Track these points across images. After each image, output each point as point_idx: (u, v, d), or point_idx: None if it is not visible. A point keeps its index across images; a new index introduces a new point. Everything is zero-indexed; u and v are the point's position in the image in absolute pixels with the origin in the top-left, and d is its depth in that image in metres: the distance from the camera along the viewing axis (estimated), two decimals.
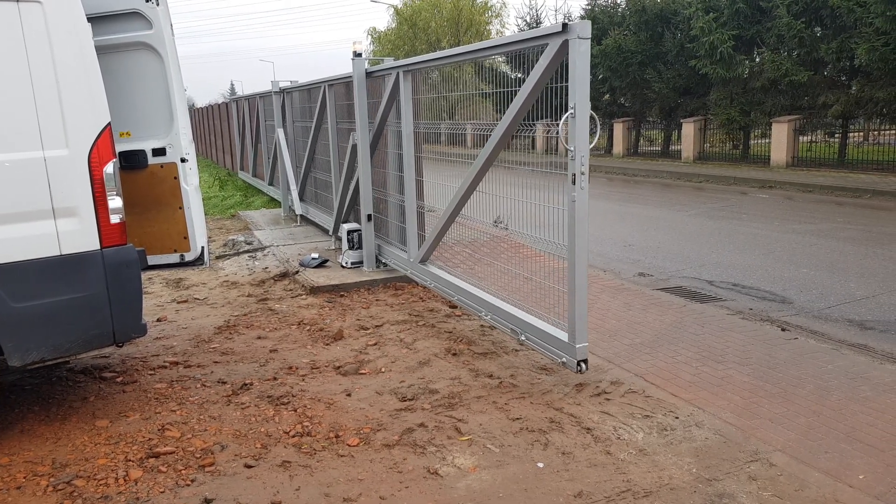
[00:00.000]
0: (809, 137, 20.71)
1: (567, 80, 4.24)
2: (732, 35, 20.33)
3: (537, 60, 4.45)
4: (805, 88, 19.54)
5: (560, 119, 4.24)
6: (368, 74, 7.41)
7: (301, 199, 11.40)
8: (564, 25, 4.09)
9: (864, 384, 4.52)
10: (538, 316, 4.92)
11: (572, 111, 4.10)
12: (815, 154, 19.80)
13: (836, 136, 20.82)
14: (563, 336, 4.54)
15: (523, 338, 4.93)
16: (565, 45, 4.12)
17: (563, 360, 4.51)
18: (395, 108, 7.28)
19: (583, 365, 4.42)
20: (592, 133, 4.21)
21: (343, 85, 8.39)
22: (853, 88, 18.95)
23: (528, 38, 4.55)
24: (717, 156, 22.37)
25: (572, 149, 4.14)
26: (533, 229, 5.05)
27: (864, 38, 16.81)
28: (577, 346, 4.42)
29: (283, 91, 11.80)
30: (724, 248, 9.27)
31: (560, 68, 4.39)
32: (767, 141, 20.88)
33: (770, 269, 7.94)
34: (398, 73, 6.48)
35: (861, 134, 22.39)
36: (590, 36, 4.07)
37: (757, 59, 21.30)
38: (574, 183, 4.21)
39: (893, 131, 18.92)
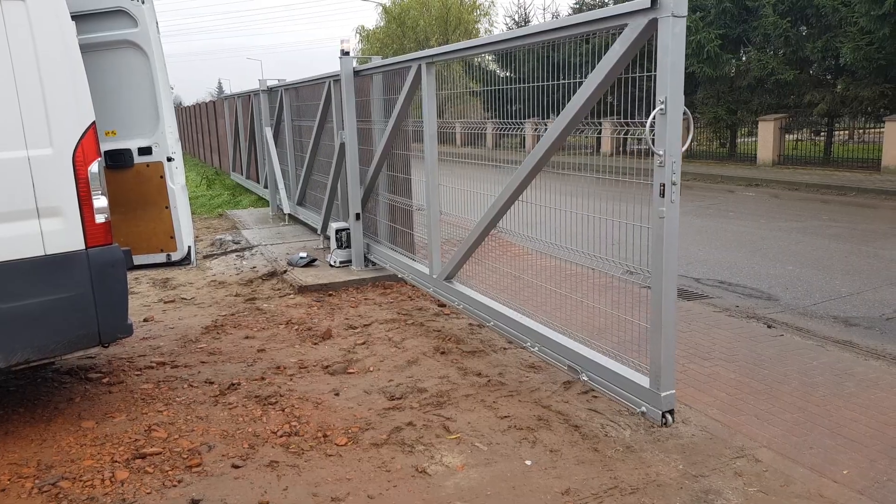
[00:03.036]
0: (795, 136, 20.89)
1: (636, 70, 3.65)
2: (719, 34, 20.46)
3: (609, 45, 3.71)
4: (791, 87, 19.70)
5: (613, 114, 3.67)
6: (357, 73, 7.39)
7: (301, 204, 10.77)
8: (653, 1, 3.33)
9: (849, 380, 4.56)
10: (604, 352, 4.13)
11: (662, 107, 3.34)
12: (801, 152, 19.96)
13: (822, 134, 21.01)
14: (642, 380, 3.72)
15: (585, 377, 4.12)
16: (652, 24, 3.35)
17: (643, 409, 3.68)
18: (383, 104, 7.27)
19: (668, 417, 3.59)
20: (685, 133, 3.39)
21: (360, 79, 7.60)
22: (838, 87, 19.13)
23: (598, 19, 3.75)
24: (704, 154, 22.49)
25: (662, 153, 3.38)
26: (591, 247, 4.31)
27: (848, 37, 16.96)
28: (663, 394, 3.57)
29: (270, 90, 11.74)
30: (711, 245, 9.33)
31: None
32: (754, 139, 21.04)
33: (756, 267, 8.00)
34: (420, 65, 5.78)
35: (846, 132, 22.59)
36: (685, 13, 3.29)
37: (743, 58, 21.45)
38: (663, 195, 3.44)
39: (878, 130, 19.10)
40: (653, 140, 3.42)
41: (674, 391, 3.64)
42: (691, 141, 3.54)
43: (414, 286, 6.76)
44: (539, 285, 5.02)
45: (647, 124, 3.40)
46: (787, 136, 20.24)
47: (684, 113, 3.41)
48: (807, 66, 19.85)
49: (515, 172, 4.73)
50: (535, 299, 5.02)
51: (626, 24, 3.55)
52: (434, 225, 5.92)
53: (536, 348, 4.60)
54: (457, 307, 5.63)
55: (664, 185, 3.44)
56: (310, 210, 10.45)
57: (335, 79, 8.06)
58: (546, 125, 4.49)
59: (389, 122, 6.66)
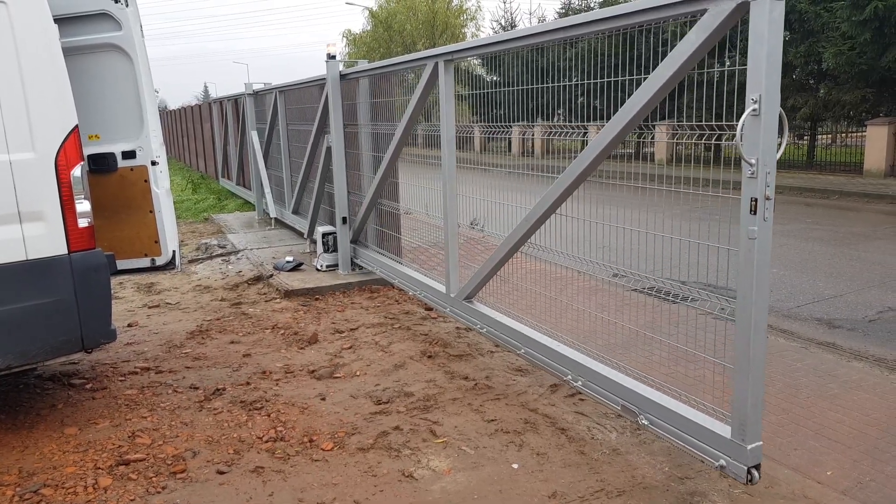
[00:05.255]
0: (779, 140, 21.06)
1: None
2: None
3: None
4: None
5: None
6: (343, 77, 7.38)
7: (297, 213, 10.14)
8: None
9: (832, 382, 4.60)
10: (667, 391, 3.59)
11: (755, 107, 2.86)
12: (785, 156, 20.14)
13: (805, 138, 21.23)
14: (723, 430, 3.16)
15: (645, 421, 3.52)
16: (741, 9, 2.87)
17: (721, 463, 3.11)
18: (363, 108, 7.25)
19: (755, 473, 3.02)
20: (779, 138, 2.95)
21: (347, 82, 7.40)
22: (821, 92, 19.35)
23: (669, 4, 3.24)
24: (689, 158, 22.69)
25: (754, 161, 2.89)
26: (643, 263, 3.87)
27: (831, 42, 17.16)
28: (749, 446, 3.01)
29: (256, 93, 11.72)
30: (696, 248, 9.37)
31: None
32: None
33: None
34: (437, 63, 5.23)
35: (829, 136, 22.84)
36: None
37: (727, 63, 21.65)
38: (754, 212, 2.96)
39: (860, 133, 19.34)
40: (742, 146, 2.93)
41: (761, 443, 3.05)
42: (786, 146, 3.22)
43: (401, 290, 6.75)
44: (579, 309, 4.46)
45: (738, 127, 2.92)
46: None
47: (780, 115, 2.91)
48: (790, 70, 20.05)
49: (555, 182, 4.17)
50: (567, 323, 4.49)
51: (705, 10, 3.05)
52: (452, 238, 5.32)
53: (580, 383, 4.00)
54: (479, 331, 5.06)
55: (756, 200, 2.92)
56: (306, 219, 9.60)
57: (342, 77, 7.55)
58: (590, 128, 4.00)
59: (399, 127, 6.16)
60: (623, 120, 3.66)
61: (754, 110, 2.86)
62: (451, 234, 5.31)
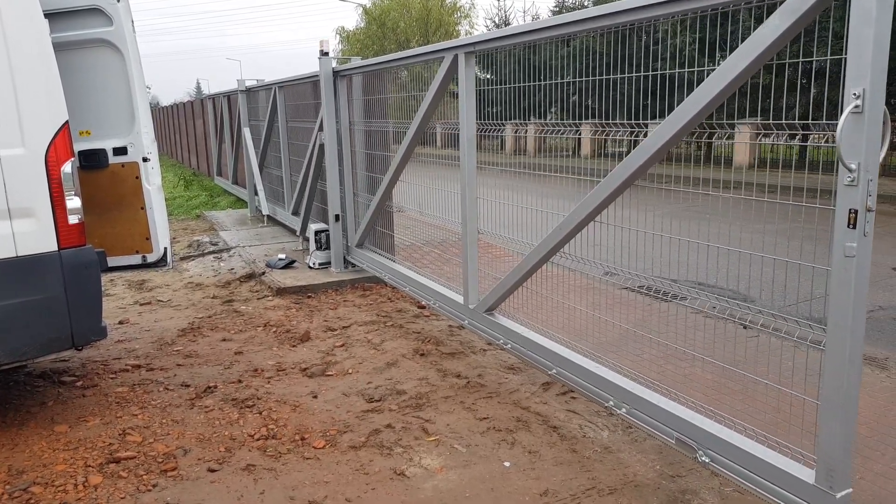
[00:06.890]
0: (771, 139, 21.21)
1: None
2: (696, 38, 20.72)
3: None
4: (766, 91, 19.97)
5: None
6: (336, 73, 7.36)
7: (296, 214, 9.65)
8: None
9: None
10: (730, 426, 3.24)
11: (858, 103, 2.48)
12: (777, 155, 20.28)
13: (797, 137, 21.34)
14: (802, 473, 2.78)
15: (705, 458, 3.13)
16: None
17: None
18: (367, 105, 7.24)
19: None
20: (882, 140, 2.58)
21: (348, 79, 7.22)
22: (813, 91, 19.46)
23: None
24: (681, 157, 22.78)
25: (855, 166, 2.53)
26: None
27: (822, 41, 17.25)
28: (838, 494, 2.60)
29: (249, 90, 11.68)
30: (689, 247, 9.40)
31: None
32: (731, 142, 21.32)
33: (733, 268, 8.08)
34: (456, 55, 4.77)
35: (818, 136, 22.98)
36: None
37: (720, 63, 21.72)
38: (853, 225, 2.58)
39: None
40: (842, 149, 2.58)
41: (851, 490, 2.63)
42: (888, 149, 2.68)
43: (395, 289, 6.74)
44: (622, 327, 4.18)
45: (839, 128, 2.57)
46: (763, 139, 20.54)
47: (885, 114, 2.55)
48: (781, 69, 20.17)
49: (598, 186, 3.88)
50: (610, 342, 4.22)
51: None
52: (472, 245, 4.92)
53: (623, 410, 3.59)
54: (503, 346, 4.65)
55: (856, 212, 2.55)
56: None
57: (342, 74, 7.32)
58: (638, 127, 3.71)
59: (412, 125, 5.78)
60: (685, 117, 3.34)
61: (857, 107, 2.49)
62: (471, 241, 4.92)
